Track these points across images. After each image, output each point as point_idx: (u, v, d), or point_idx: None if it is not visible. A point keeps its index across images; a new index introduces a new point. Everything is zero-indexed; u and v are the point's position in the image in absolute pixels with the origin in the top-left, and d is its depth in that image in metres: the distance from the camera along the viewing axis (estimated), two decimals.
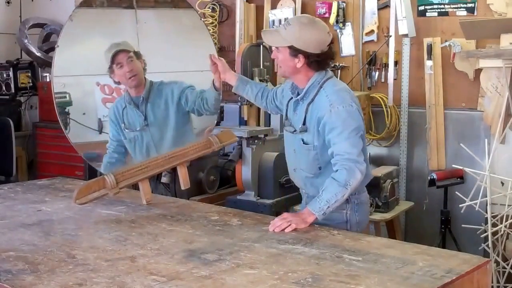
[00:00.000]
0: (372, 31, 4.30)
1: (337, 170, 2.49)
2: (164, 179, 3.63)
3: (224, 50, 4.91)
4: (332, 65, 4.20)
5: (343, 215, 2.62)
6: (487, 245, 3.43)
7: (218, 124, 3.88)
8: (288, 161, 2.81)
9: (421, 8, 4.10)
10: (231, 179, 3.99)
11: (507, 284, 3.48)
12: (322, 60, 2.58)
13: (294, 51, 2.55)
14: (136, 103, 3.37)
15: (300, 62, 2.56)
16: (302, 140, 2.63)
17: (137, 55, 3.36)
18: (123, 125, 3.38)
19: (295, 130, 2.66)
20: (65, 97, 3.39)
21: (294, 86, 2.69)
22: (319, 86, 2.59)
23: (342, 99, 2.54)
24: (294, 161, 2.74)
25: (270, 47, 3.14)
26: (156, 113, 3.37)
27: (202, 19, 3.74)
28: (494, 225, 3.43)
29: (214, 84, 3.11)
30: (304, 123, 2.61)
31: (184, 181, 3.04)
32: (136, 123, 3.38)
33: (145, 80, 3.38)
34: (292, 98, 2.70)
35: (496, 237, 3.45)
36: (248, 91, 2.96)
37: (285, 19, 4.52)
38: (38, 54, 5.69)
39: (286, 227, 2.43)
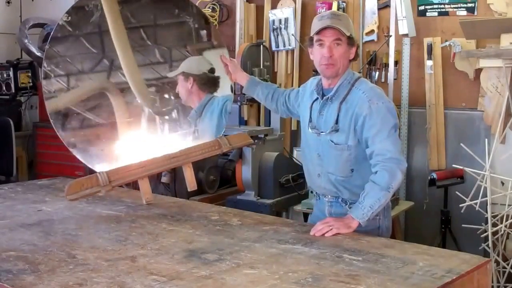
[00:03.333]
0: (372, 31, 4.30)
1: (376, 172, 2.38)
2: (164, 179, 3.63)
3: None
4: None
5: (376, 221, 2.49)
6: (487, 245, 3.43)
7: None
8: (310, 167, 2.62)
9: (421, 8, 4.10)
10: (231, 179, 3.98)
11: (507, 284, 3.48)
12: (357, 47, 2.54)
13: (352, 41, 2.46)
14: (193, 117, 3.33)
15: (352, 53, 2.49)
16: (332, 141, 2.49)
17: (185, 76, 3.24)
18: None
19: (322, 132, 2.52)
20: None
21: (319, 87, 2.57)
22: (350, 85, 2.49)
23: (379, 95, 2.47)
24: (318, 166, 2.57)
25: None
26: (204, 125, 3.30)
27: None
28: (494, 225, 3.43)
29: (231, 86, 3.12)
30: (336, 123, 2.48)
31: (190, 183, 2.99)
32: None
33: (205, 95, 3.30)
34: (317, 99, 2.57)
35: (496, 237, 3.45)
36: (258, 92, 2.90)
37: (285, 19, 4.53)
38: (38, 54, 5.67)
39: (327, 231, 2.33)
